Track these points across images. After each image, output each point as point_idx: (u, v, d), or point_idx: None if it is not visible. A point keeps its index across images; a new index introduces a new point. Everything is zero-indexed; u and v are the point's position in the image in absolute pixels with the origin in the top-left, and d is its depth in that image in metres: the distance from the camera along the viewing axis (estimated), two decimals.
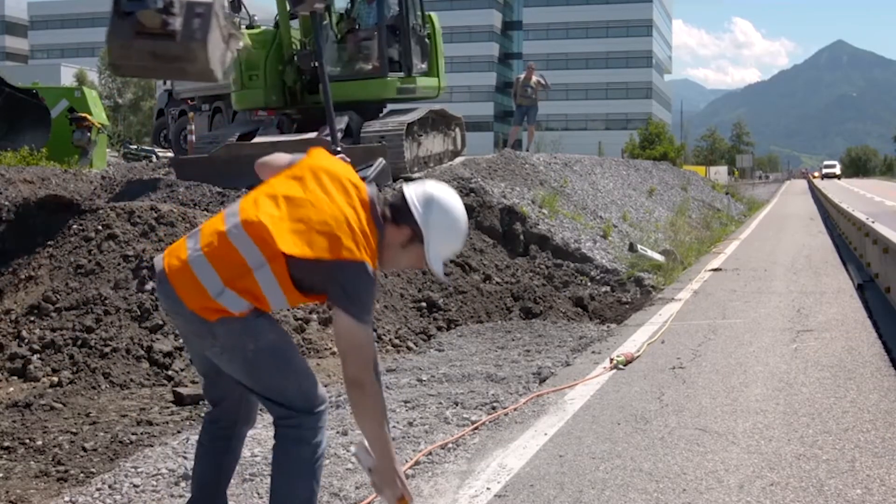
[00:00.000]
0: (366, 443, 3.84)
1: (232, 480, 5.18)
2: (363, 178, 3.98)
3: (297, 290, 3.70)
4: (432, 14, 17.90)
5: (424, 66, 17.74)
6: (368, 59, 17.04)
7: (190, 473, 5.30)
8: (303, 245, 3.60)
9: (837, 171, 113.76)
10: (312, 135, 15.81)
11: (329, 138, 15.31)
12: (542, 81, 23.38)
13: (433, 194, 3.84)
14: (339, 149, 4.13)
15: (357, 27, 17.28)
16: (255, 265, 3.63)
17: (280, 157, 4.13)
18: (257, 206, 3.73)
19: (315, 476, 3.83)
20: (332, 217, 3.65)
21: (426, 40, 17.80)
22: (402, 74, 16.95)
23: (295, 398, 3.78)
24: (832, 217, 24.62)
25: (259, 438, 6.03)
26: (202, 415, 6.91)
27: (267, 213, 3.67)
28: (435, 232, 3.79)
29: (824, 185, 59.82)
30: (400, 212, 3.81)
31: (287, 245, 3.59)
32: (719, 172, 74.87)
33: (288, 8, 15.59)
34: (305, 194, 3.74)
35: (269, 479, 5.23)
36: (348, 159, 4.26)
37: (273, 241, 3.60)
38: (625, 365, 7.89)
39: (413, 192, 3.84)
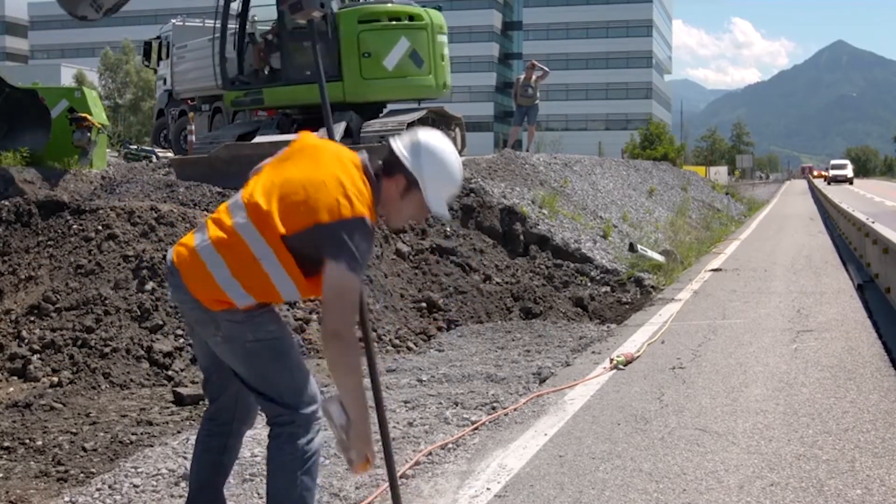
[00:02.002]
0: (338, 399, 3.78)
1: (231, 480, 5.18)
2: None
3: (304, 275, 3.71)
4: (430, 11, 17.71)
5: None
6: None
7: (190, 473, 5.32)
8: (300, 217, 3.63)
9: (849, 172, 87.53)
10: (313, 134, 15.81)
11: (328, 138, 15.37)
12: (542, 71, 23.31)
13: (419, 140, 3.85)
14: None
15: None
16: (260, 255, 3.66)
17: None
18: (255, 192, 3.78)
19: (309, 474, 3.83)
20: (324, 181, 3.67)
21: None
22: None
23: (287, 393, 3.80)
24: (832, 217, 24.63)
25: (259, 438, 6.03)
26: (202, 415, 6.92)
27: (263, 196, 3.72)
28: (428, 174, 3.79)
29: (829, 188, 54.91)
30: (391, 164, 3.83)
31: (286, 223, 3.64)
32: (719, 173, 74.89)
33: (287, 16, 15.72)
34: (297, 169, 3.79)
35: None
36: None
37: (274, 223, 3.63)
38: (625, 365, 7.89)
39: (400, 142, 3.87)
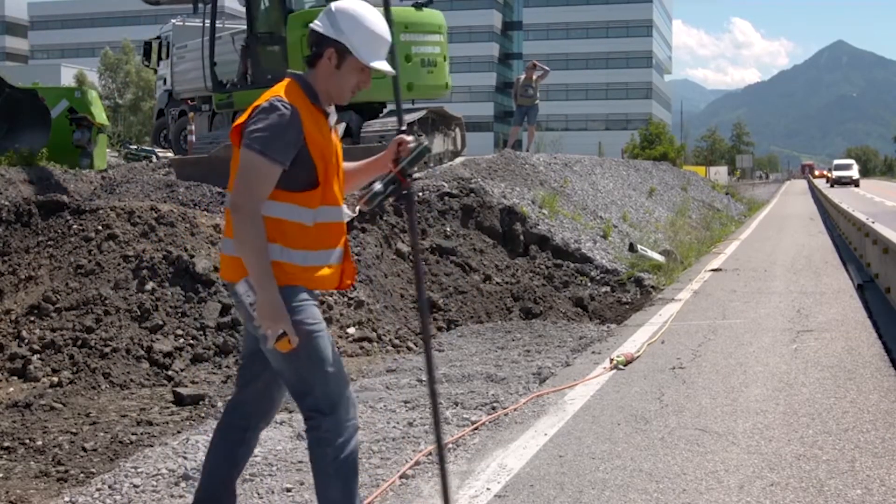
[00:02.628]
0: (247, 278, 3.78)
1: None
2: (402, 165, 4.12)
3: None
4: (401, 10, 17.55)
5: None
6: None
7: (190, 473, 5.32)
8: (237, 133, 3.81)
9: (854, 172, 77.64)
10: None
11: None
12: (542, 70, 23.30)
13: (331, 7, 3.91)
14: (404, 128, 4.13)
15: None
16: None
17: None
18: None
19: (342, 476, 3.84)
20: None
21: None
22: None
23: (319, 393, 3.82)
24: (832, 217, 24.64)
25: (259, 439, 6.03)
26: (202, 415, 6.92)
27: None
28: (350, 34, 3.83)
29: (831, 190, 52.94)
30: (317, 43, 3.87)
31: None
32: (719, 173, 74.93)
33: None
34: None
35: (268, 480, 5.25)
36: (421, 140, 4.28)
37: (235, 160, 3.81)
38: (625, 365, 7.89)
39: (317, 20, 3.92)
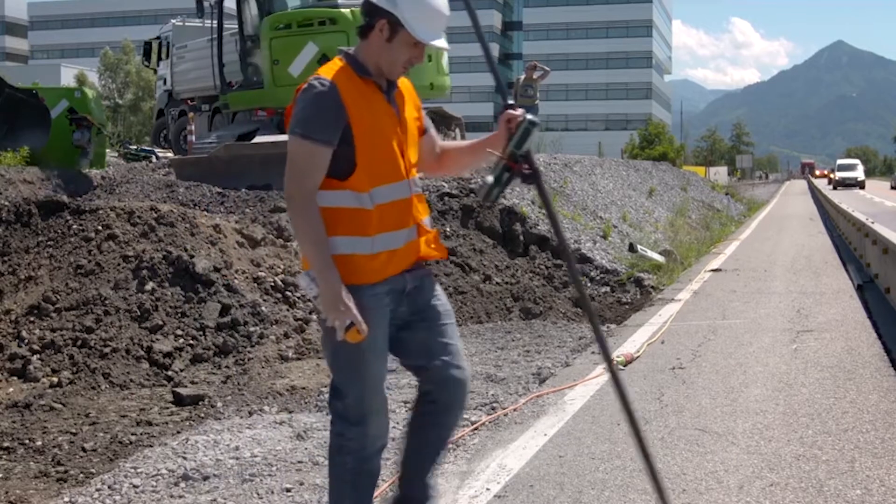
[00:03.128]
0: (308, 272, 3.65)
1: (231, 480, 5.19)
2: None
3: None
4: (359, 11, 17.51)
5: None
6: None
7: (190, 474, 5.32)
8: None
9: (860, 173, 70.64)
10: None
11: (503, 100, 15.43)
12: (542, 70, 23.30)
13: None
14: (511, 102, 3.88)
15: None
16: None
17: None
18: None
19: (359, 488, 3.78)
20: None
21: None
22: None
23: (350, 402, 3.75)
24: (832, 217, 24.64)
25: (259, 439, 6.04)
26: (202, 415, 6.92)
27: None
28: (404, 5, 3.62)
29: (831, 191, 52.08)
30: (369, 14, 3.69)
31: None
32: (719, 173, 74.93)
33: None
34: None
35: (268, 480, 5.24)
36: (528, 116, 3.85)
37: None
38: (624, 365, 7.89)
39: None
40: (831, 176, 76.78)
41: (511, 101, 3.84)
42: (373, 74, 3.70)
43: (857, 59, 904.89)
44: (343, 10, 16.72)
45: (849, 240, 17.56)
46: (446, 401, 3.96)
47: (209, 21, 22.46)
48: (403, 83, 3.88)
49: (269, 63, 17.07)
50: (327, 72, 3.66)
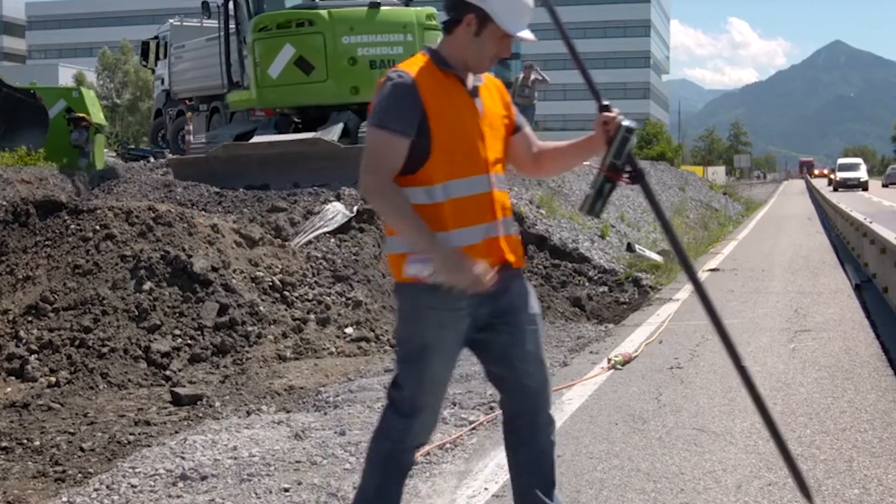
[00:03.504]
0: (412, 258, 3.57)
1: (229, 480, 5.19)
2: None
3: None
4: (398, 10, 17.43)
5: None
6: None
7: (188, 474, 5.32)
8: None
9: (863, 174, 64.21)
10: (310, 134, 15.85)
11: (328, 137, 15.38)
12: (540, 77, 23.37)
13: None
14: (606, 103, 3.73)
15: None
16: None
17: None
18: None
19: (385, 470, 3.74)
20: None
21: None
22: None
23: (407, 394, 3.70)
24: (830, 217, 24.64)
25: (257, 439, 6.04)
26: (200, 415, 6.92)
27: None
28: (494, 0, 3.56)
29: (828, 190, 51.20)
30: (454, 8, 3.62)
31: None
32: (717, 173, 74.94)
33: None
34: None
35: (266, 480, 5.24)
36: (625, 122, 3.75)
37: None
38: (622, 365, 7.89)
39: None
40: (831, 176, 71.16)
41: (606, 103, 3.74)
42: (455, 68, 3.65)
43: (855, 59, 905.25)
44: (321, 11, 16.71)
45: (847, 239, 17.56)
46: (522, 411, 3.86)
47: (207, 21, 22.53)
48: (492, 80, 3.83)
49: (253, 64, 17.15)
50: (407, 65, 3.62)
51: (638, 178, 3.78)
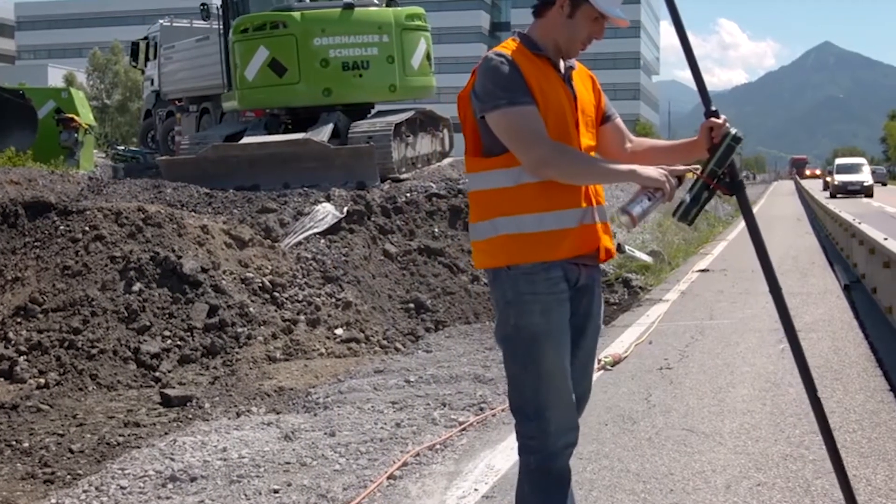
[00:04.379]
0: (622, 206, 3.48)
1: (218, 482, 5.19)
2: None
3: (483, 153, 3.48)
4: (373, 10, 17.36)
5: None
6: None
7: (177, 475, 5.31)
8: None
9: (866, 176, 51.31)
10: (300, 135, 15.84)
11: (317, 138, 15.38)
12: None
13: None
14: (714, 109, 3.58)
15: None
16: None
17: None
18: None
19: (541, 490, 3.51)
20: None
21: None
22: None
23: (528, 395, 3.51)
24: (819, 218, 24.70)
25: (246, 440, 6.03)
26: (189, 416, 6.91)
27: None
28: None
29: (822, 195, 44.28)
30: None
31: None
32: None
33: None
34: None
35: (256, 482, 5.24)
36: (733, 130, 3.60)
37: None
38: (612, 366, 7.90)
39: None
40: (827, 179, 59.76)
41: (714, 108, 3.60)
42: (547, 52, 3.55)
43: (844, 60, 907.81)
44: (293, 13, 16.72)
45: (836, 240, 17.60)
46: None
47: (197, 22, 22.50)
48: (583, 67, 3.75)
49: (233, 66, 17.20)
50: (501, 48, 3.52)
51: (737, 188, 3.71)
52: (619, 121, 3.80)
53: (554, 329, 3.44)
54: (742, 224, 27.32)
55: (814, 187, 53.90)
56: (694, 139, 3.68)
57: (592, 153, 3.61)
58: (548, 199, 3.40)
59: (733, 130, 3.58)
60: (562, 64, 3.58)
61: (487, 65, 3.44)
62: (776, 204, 45.20)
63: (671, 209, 3.73)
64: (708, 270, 15.11)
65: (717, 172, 3.61)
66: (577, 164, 3.42)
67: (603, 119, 3.74)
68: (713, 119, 3.58)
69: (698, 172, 3.65)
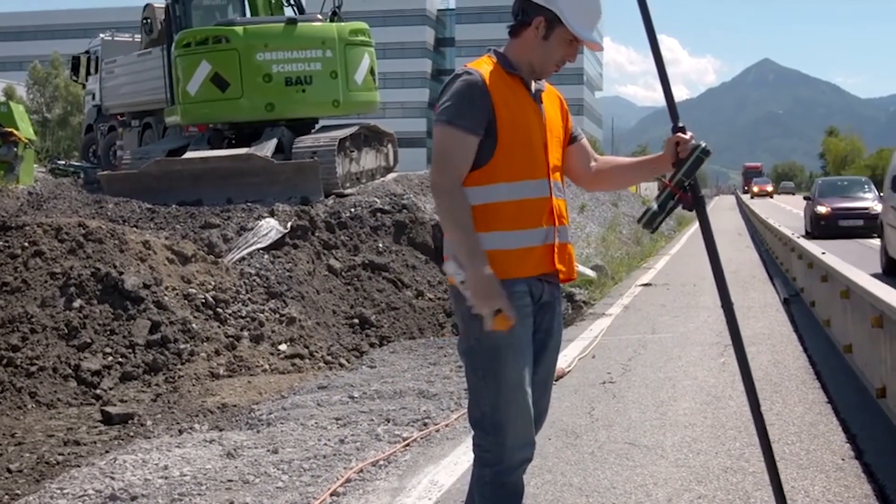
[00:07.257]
0: (454, 256, 3.49)
1: (160, 500, 5.14)
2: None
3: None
4: (316, 25, 17.33)
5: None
6: None
7: (118, 494, 5.25)
8: None
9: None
10: (243, 150, 15.78)
11: (261, 153, 15.33)
12: None
13: None
14: (681, 125, 3.61)
15: None
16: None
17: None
18: None
19: (497, 501, 3.57)
20: None
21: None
22: None
23: (487, 408, 3.53)
24: (759, 232, 25.00)
25: (188, 458, 5.98)
26: (131, 434, 6.84)
27: None
28: (563, 1, 3.51)
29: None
30: (524, 11, 3.59)
31: None
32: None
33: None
34: None
35: (197, 500, 5.19)
36: (702, 143, 3.68)
37: None
38: (556, 380, 7.93)
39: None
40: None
41: (681, 125, 3.70)
42: (521, 72, 3.61)
43: (783, 77, 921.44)
44: (236, 27, 16.69)
45: (775, 254, 17.84)
46: None
47: (139, 36, 22.33)
48: (551, 88, 3.80)
49: (176, 80, 17.14)
50: (475, 65, 3.58)
51: (697, 203, 3.82)
52: (584, 141, 3.87)
53: (516, 342, 3.48)
54: (684, 238, 27.70)
55: (767, 210, 41.26)
56: (659, 154, 3.78)
57: (558, 173, 3.65)
58: (515, 218, 3.47)
59: (702, 143, 3.67)
60: (533, 85, 3.64)
61: (455, 80, 3.52)
62: (718, 218, 45.72)
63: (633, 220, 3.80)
64: (650, 285, 15.24)
65: (685, 183, 3.71)
66: (450, 218, 3.44)
67: (570, 140, 3.80)
68: (680, 134, 3.69)
69: (666, 181, 3.74)
